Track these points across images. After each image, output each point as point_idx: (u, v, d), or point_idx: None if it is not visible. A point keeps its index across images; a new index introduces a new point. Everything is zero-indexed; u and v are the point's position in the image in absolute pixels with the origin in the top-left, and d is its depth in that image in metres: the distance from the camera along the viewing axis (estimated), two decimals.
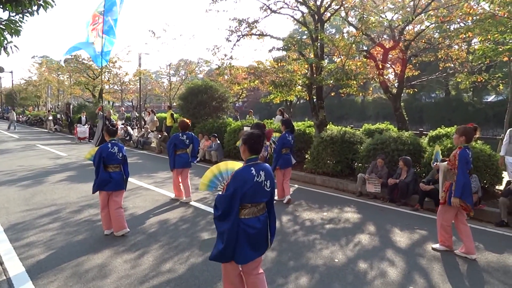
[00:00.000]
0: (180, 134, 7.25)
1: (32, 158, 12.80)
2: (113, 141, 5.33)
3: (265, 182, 2.99)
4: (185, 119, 7.57)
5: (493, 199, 6.99)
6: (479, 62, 10.40)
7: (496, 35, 8.83)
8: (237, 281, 3.14)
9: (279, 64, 11.61)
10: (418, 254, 4.82)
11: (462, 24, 11.99)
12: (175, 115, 17.20)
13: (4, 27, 4.04)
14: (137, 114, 22.80)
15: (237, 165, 3.27)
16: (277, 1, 10.96)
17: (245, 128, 9.94)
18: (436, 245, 5.00)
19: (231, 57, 11.38)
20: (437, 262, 4.60)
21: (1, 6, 4.14)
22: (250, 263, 3.04)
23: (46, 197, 7.44)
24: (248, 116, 17.32)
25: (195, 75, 25.89)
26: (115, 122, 15.50)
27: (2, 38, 3.89)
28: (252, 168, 2.96)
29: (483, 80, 12.08)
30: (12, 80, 51.29)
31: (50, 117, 26.77)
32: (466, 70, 13.11)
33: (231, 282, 3.14)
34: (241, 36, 11.14)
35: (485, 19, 8.94)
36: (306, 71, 11.51)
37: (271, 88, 11.09)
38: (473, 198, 6.11)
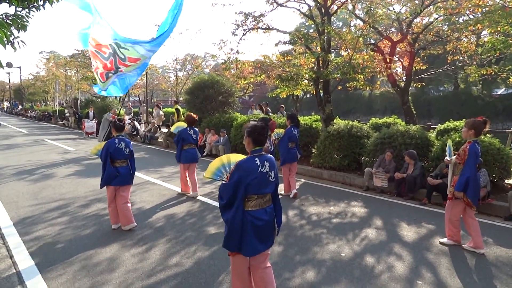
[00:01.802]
0: (188, 129, 7.26)
1: (40, 153, 12.92)
2: (120, 137, 5.36)
3: (270, 172, 3.01)
4: (191, 114, 7.57)
5: (502, 193, 6.92)
6: (489, 54, 10.24)
7: (506, 27, 8.68)
8: (245, 275, 3.15)
9: (286, 58, 11.56)
10: (425, 249, 4.79)
11: (471, 16, 11.78)
12: (181, 110, 17.20)
13: (11, 22, 4.06)
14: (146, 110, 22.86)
15: None
16: None
17: (252, 123, 9.93)
18: (444, 240, 4.97)
19: (237, 52, 11.35)
20: (444, 256, 4.57)
21: (8, 1, 4.17)
22: (258, 256, 3.06)
23: (54, 191, 7.52)
24: (278, 112, 16.84)
25: (201, 69, 25.85)
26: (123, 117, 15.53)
27: (9, 33, 3.90)
28: (256, 159, 2.97)
29: (493, 72, 11.89)
30: (21, 76, 51.62)
31: (68, 113, 26.79)
32: (475, 63, 12.93)
33: (239, 275, 3.15)
34: (247, 30, 11.09)
35: (494, 11, 8.79)
36: (313, 65, 11.44)
37: (277, 82, 11.04)
38: (482, 192, 6.10)
